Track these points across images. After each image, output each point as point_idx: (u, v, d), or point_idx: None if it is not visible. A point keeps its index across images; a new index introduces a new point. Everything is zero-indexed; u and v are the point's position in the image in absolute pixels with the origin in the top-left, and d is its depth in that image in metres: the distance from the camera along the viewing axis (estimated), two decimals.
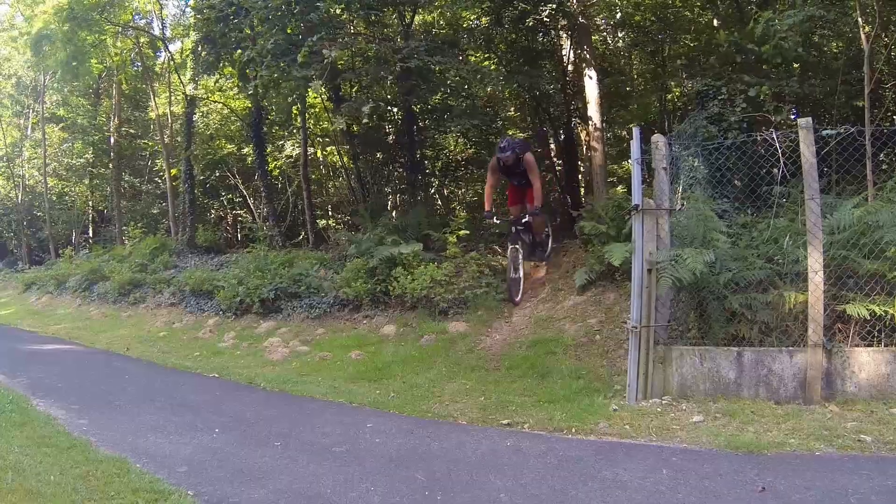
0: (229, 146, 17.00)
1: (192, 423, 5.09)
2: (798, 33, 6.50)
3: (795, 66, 8.18)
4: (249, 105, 14.26)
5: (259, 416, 5.36)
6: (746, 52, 7.96)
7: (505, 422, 4.77)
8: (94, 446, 4.39)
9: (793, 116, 7.42)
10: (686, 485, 3.37)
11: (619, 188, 10.36)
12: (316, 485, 3.63)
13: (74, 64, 15.22)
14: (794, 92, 7.79)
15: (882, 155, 6.74)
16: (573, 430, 4.47)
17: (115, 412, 5.47)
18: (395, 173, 13.14)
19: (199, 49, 12.31)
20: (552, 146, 12.29)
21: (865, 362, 4.62)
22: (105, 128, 20.43)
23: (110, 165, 20.00)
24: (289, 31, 9.77)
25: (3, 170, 22.36)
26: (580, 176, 12.32)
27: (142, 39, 18.06)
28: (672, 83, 11.22)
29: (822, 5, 6.67)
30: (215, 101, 16.91)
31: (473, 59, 11.59)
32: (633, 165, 5.15)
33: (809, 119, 4.83)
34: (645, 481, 3.44)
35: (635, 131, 5.21)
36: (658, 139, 5.19)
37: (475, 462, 3.92)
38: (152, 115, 18.93)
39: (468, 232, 9.19)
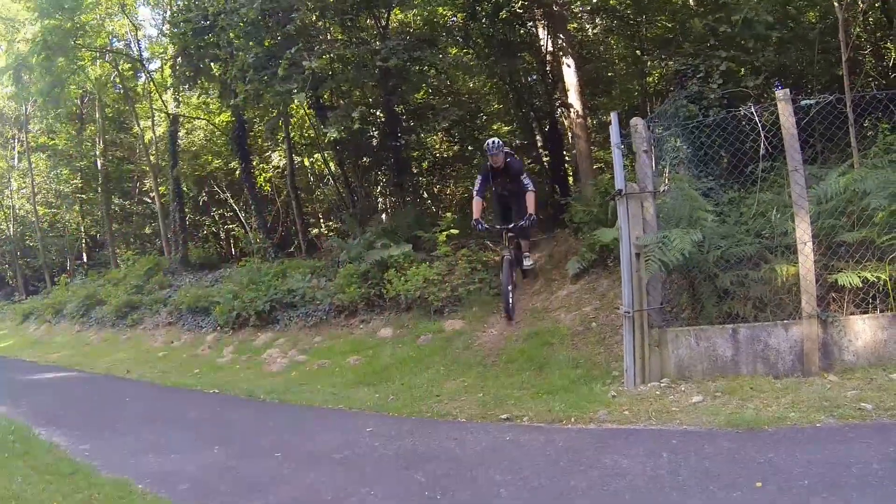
0: (216, 161, 16.95)
1: (194, 440, 5.08)
2: (770, 5, 6.45)
3: (774, 40, 8.15)
4: (233, 119, 14.21)
5: (259, 428, 5.35)
6: (720, 32, 7.93)
7: (504, 416, 4.75)
8: (96, 470, 4.40)
9: (776, 88, 7.39)
10: (686, 467, 3.35)
11: (606, 175, 10.33)
12: (316, 492, 3.62)
13: (57, 90, 15.17)
14: (770, 63, 7.76)
15: (865, 122, 6.70)
16: (572, 420, 4.45)
17: (116, 435, 5.46)
18: (383, 176, 13.11)
19: (177, 65, 12.28)
20: (537, 137, 12.27)
21: (861, 330, 4.57)
22: (91, 153, 20.35)
23: (99, 189, 19.91)
24: (266, 44, 9.74)
25: None
26: (567, 165, 12.29)
27: (121, 62, 17.97)
28: (651, 63, 11.17)
29: None
30: (198, 118, 16.86)
31: (453, 54, 11.55)
32: (614, 150, 5.14)
33: (787, 90, 4.79)
34: (645, 466, 3.43)
35: (613, 116, 5.21)
36: (637, 122, 5.17)
37: (475, 459, 3.90)
38: (136, 133, 18.88)
39: (457, 231, 9.16)
